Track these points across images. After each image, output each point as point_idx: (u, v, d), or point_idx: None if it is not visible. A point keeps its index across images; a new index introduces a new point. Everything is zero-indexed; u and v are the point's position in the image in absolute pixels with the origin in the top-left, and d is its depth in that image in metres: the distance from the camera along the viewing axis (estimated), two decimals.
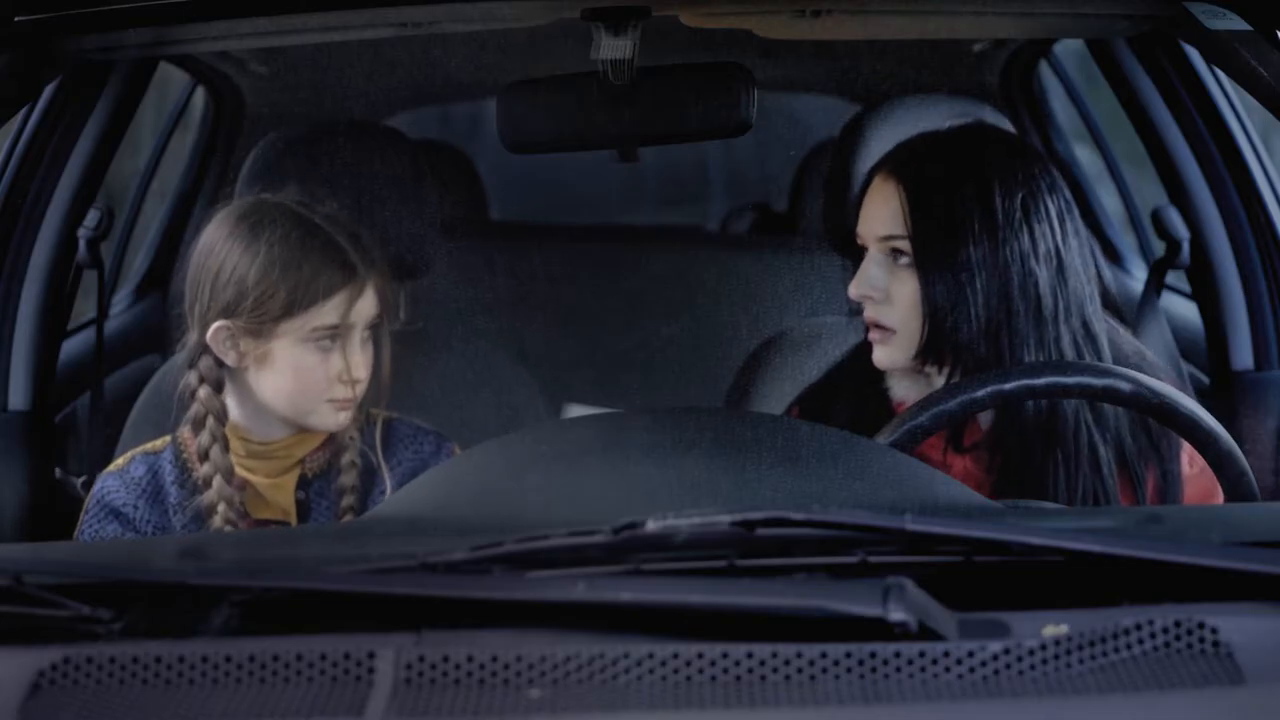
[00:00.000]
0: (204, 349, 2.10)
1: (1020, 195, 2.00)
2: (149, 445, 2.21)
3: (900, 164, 2.07)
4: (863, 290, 2.06)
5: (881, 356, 2.08)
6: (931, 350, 2.03)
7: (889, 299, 2.04)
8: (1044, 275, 1.99)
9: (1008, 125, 2.63)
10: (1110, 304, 2.17)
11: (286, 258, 2.05)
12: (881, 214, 2.05)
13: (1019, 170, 2.02)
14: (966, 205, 1.99)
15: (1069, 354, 2.01)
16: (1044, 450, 2.01)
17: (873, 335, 2.08)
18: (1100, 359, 2.03)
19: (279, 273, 2.05)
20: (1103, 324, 2.06)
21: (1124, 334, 2.15)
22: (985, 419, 2.06)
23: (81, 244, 2.83)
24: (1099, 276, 2.11)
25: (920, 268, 2.01)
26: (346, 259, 2.08)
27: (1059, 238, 2.01)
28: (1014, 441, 2.03)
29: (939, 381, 2.07)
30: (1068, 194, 2.05)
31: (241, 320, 2.06)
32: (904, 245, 2.02)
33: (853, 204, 2.18)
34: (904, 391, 2.12)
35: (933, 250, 2.00)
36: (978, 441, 2.06)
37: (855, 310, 2.85)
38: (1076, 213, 2.06)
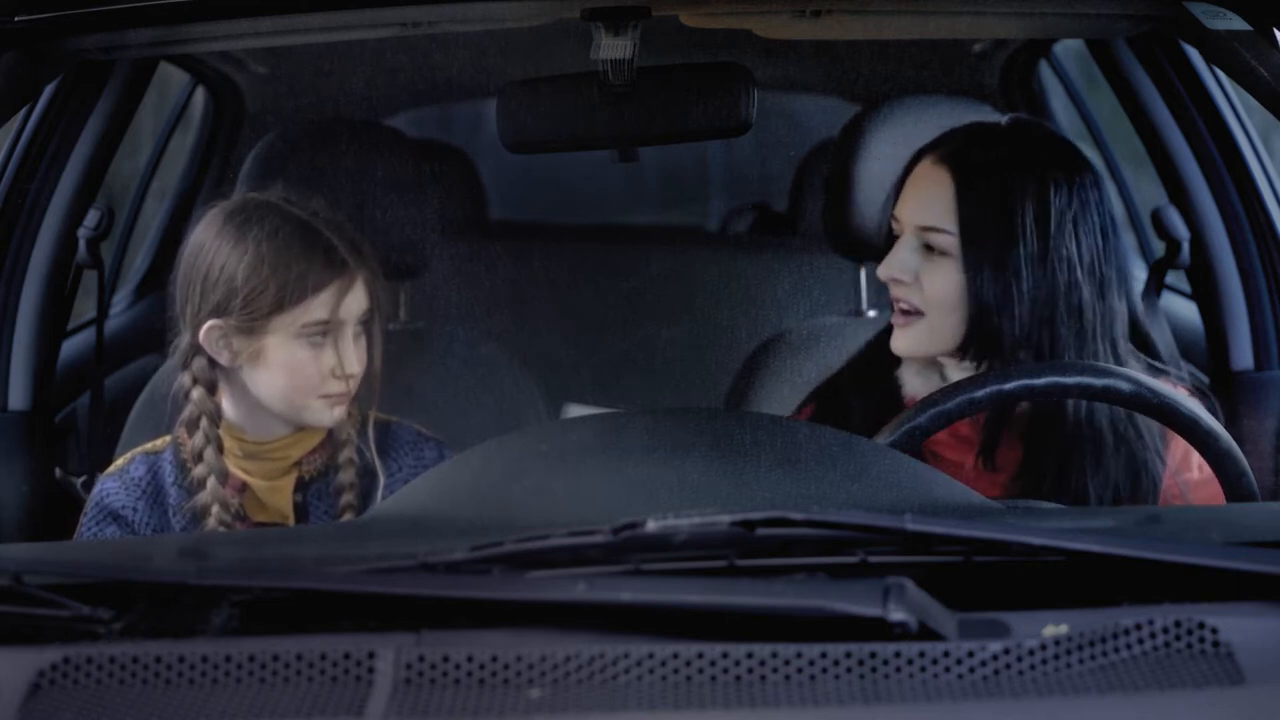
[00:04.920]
0: (197, 350, 2.10)
1: (1073, 204, 1.99)
2: (149, 445, 2.21)
3: (953, 153, 2.04)
4: (893, 273, 2.05)
5: (902, 342, 2.06)
6: (971, 347, 2.02)
7: (918, 284, 2.03)
8: (1087, 287, 1.99)
9: None
10: (1139, 330, 2.15)
11: (275, 254, 2.05)
12: (927, 201, 2.03)
13: (1073, 177, 2.00)
14: (1020, 205, 1.98)
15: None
16: (1068, 451, 2.00)
17: (897, 319, 2.06)
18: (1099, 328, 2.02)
19: (268, 269, 2.05)
20: (1129, 347, 2.05)
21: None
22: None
23: (81, 244, 2.83)
24: (1128, 298, 2.10)
25: (966, 263, 1.99)
26: (335, 253, 2.08)
27: (1101, 252, 2.01)
28: (1039, 443, 2.02)
29: (954, 376, 2.06)
30: (1113, 210, 2.04)
31: (233, 319, 2.06)
32: (945, 239, 2.00)
33: (894, 185, 2.16)
34: (915, 387, 2.12)
35: (981, 246, 1.98)
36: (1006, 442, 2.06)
37: (855, 311, 2.86)
38: (1119, 230, 2.05)
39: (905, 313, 2.05)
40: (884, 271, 2.06)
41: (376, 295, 2.13)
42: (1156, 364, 2.13)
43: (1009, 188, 1.99)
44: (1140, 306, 2.15)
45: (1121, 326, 2.04)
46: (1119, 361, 2.02)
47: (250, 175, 2.44)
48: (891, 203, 2.12)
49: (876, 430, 1.93)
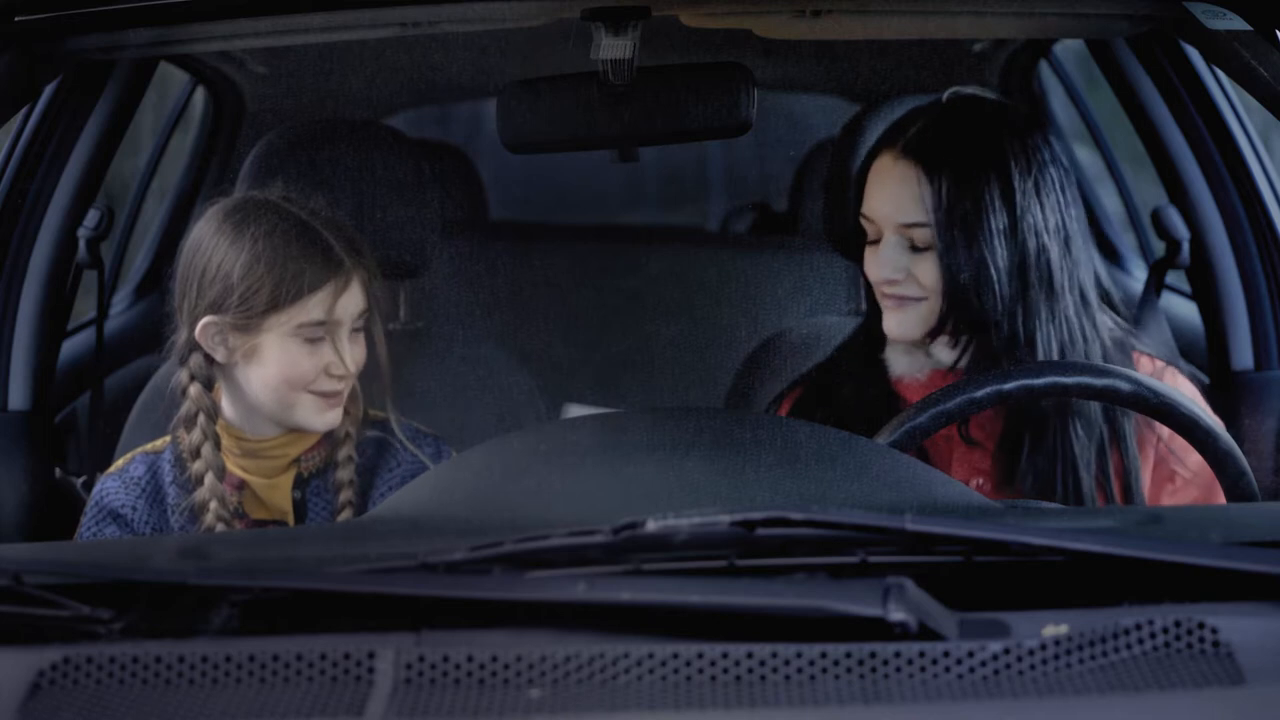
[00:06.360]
0: (194, 346, 2.11)
1: (1033, 172, 2.03)
2: (150, 445, 2.21)
3: (912, 144, 2.06)
4: (884, 275, 2.06)
5: (898, 325, 2.08)
6: (945, 328, 2.05)
7: (911, 278, 2.05)
8: (1054, 249, 2.03)
9: None
10: (1104, 293, 2.18)
11: (271, 252, 2.06)
12: (901, 198, 2.04)
13: (1029, 146, 2.04)
14: (988, 190, 2.01)
15: (1072, 323, 2.05)
16: (1049, 443, 2.03)
17: (889, 304, 2.08)
18: (1095, 328, 2.07)
19: (263, 268, 2.05)
20: (1095, 291, 2.09)
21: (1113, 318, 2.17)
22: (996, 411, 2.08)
23: (81, 244, 2.83)
24: (1091, 244, 2.15)
25: (945, 254, 2.01)
26: (332, 253, 2.08)
27: (1064, 208, 2.05)
28: (1022, 433, 2.05)
29: (942, 356, 2.10)
30: (1065, 160, 2.08)
31: (228, 316, 2.06)
32: (928, 232, 2.02)
33: (853, 182, 2.17)
34: (903, 367, 2.13)
35: (957, 236, 2.01)
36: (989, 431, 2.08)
37: (855, 310, 2.86)
38: (1074, 179, 2.09)
39: (900, 298, 2.06)
40: (875, 274, 2.08)
41: (373, 295, 2.13)
42: (1121, 323, 2.16)
43: (976, 170, 2.02)
44: (1112, 274, 2.20)
45: (1088, 275, 2.08)
46: (1086, 305, 2.07)
47: (250, 175, 2.44)
48: (855, 201, 2.13)
49: (864, 413, 1.98)
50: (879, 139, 2.13)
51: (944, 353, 2.10)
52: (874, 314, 2.16)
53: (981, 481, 2.08)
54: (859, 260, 2.14)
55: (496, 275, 3.58)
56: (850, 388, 2.15)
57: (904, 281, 2.05)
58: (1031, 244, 2.02)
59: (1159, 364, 2.14)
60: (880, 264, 2.07)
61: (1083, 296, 2.06)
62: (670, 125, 2.20)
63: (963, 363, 2.08)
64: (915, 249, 2.04)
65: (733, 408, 2.60)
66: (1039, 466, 2.04)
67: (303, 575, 1.34)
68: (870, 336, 2.17)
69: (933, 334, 2.07)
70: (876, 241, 2.09)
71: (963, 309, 2.03)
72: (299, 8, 2.00)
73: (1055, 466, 2.04)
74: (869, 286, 2.14)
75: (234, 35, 2.20)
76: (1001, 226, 2.01)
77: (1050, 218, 2.03)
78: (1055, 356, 2.04)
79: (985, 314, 2.02)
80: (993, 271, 2.01)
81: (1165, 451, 2.09)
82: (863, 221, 2.10)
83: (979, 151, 2.04)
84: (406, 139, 2.65)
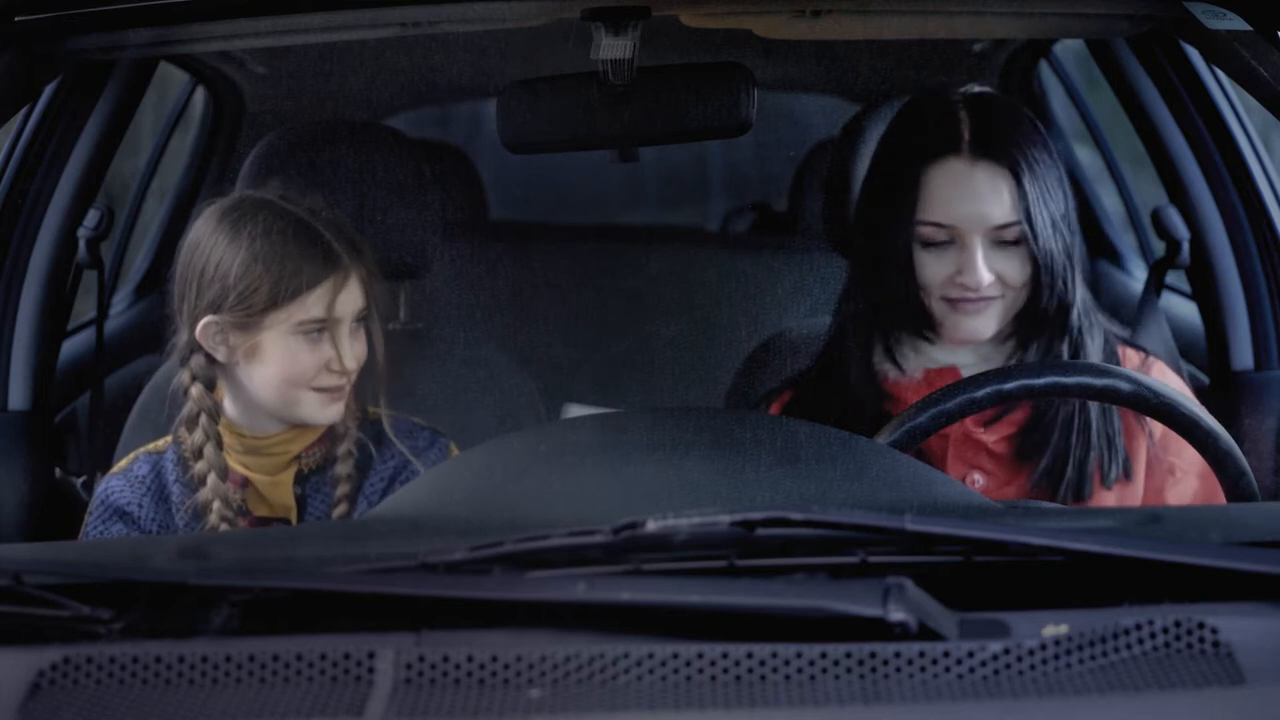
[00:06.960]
0: (195, 346, 2.11)
1: (1053, 156, 2.09)
2: (152, 445, 2.22)
3: (983, 146, 2.06)
4: (982, 279, 2.04)
5: (971, 327, 2.07)
6: (1014, 322, 2.10)
7: (999, 279, 2.06)
8: (1077, 229, 2.13)
9: None
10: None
11: (269, 250, 2.06)
12: (991, 201, 2.04)
13: (1045, 133, 2.11)
14: (1047, 178, 2.06)
15: (1089, 303, 2.11)
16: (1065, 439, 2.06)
17: (964, 306, 2.06)
18: (1098, 312, 2.13)
19: (261, 266, 2.05)
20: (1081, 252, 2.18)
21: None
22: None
23: (81, 244, 2.83)
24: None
25: (1038, 249, 2.04)
26: (330, 250, 2.08)
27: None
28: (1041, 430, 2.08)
29: (926, 351, 2.11)
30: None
31: (228, 315, 2.07)
32: (1016, 230, 2.03)
33: (893, 188, 2.15)
34: (897, 368, 2.14)
35: (1046, 229, 2.05)
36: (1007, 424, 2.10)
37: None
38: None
39: (978, 300, 2.06)
40: (976, 281, 2.04)
41: (372, 292, 2.14)
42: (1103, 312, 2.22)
43: (1039, 162, 2.06)
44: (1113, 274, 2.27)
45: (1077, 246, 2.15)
46: (1080, 271, 2.13)
47: (250, 175, 2.44)
48: (901, 209, 2.09)
49: (856, 414, 1.99)
50: (920, 142, 2.10)
51: (933, 350, 2.11)
52: (865, 315, 2.15)
53: (980, 481, 2.09)
54: (869, 263, 2.12)
55: (497, 276, 3.58)
56: (842, 389, 2.15)
57: (992, 282, 2.05)
58: (1073, 218, 2.09)
59: (1142, 356, 2.15)
60: (974, 269, 2.03)
61: (1068, 250, 2.11)
62: (670, 125, 2.20)
63: (1018, 354, 2.11)
64: (1003, 248, 2.05)
65: (733, 408, 2.60)
66: (1038, 466, 2.05)
67: (303, 575, 1.34)
68: (860, 335, 2.16)
69: (1003, 330, 2.09)
70: (942, 245, 2.06)
71: (1048, 298, 2.06)
72: (299, 8, 2.00)
73: (1054, 466, 2.04)
74: (889, 288, 2.11)
75: (234, 35, 2.20)
76: (1063, 211, 2.07)
77: (1072, 199, 2.10)
78: (1085, 338, 2.08)
79: (1065, 300, 2.06)
80: (1068, 257, 2.06)
81: (1160, 448, 2.09)
82: (925, 229, 2.06)
83: (1029, 143, 2.07)
84: (406, 139, 2.65)
